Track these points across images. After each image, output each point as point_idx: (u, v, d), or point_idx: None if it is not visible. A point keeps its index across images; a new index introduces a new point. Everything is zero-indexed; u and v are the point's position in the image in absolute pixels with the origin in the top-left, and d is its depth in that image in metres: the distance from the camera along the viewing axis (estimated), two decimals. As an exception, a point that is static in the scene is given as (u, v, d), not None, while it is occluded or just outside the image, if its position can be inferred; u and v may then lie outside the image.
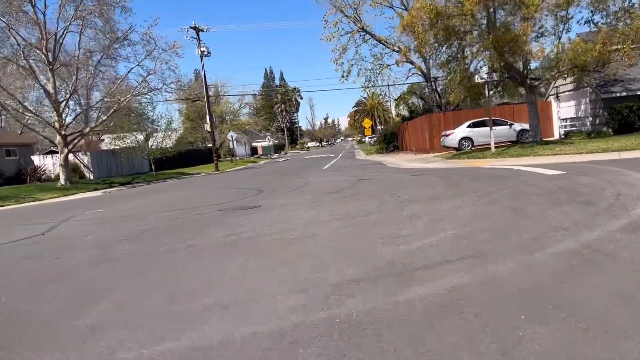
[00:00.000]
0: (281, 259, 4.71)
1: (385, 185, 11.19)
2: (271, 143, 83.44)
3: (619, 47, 16.39)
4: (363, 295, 3.38)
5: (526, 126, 20.62)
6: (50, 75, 22.98)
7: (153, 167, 32.37)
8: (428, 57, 28.00)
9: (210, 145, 38.41)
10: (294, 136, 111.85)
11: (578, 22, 25.01)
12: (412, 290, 3.37)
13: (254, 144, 76.86)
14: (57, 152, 24.99)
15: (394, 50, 29.43)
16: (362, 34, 29.42)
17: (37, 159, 31.77)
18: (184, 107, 55.92)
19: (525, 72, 18.80)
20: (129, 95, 25.23)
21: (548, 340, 2.45)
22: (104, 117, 25.50)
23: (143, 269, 4.95)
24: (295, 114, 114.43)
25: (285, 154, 74.57)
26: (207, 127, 36.78)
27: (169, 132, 34.81)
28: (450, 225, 5.53)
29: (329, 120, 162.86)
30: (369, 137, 59.93)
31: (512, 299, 3.05)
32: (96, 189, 22.20)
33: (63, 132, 23.61)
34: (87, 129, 25.86)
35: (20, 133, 33.20)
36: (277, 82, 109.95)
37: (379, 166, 19.97)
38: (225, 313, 3.30)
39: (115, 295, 4.04)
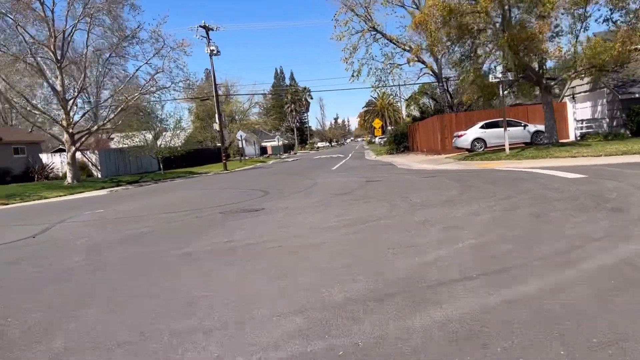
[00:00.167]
0: (280, 271, 4.27)
1: (395, 188, 10.73)
2: (280, 143, 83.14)
3: (639, 46, 15.79)
4: (371, 319, 2.93)
5: (540, 127, 19.98)
6: (58, 73, 22.86)
7: (161, 166, 32.17)
8: (440, 56, 27.47)
9: (220, 144, 38.11)
10: (303, 136, 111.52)
11: (596, 20, 24.30)
12: (427, 314, 2.92)
13: (263, 144, 76.51)
14: (65, 151, 24.84)
15: (405, 50, 28.88)
16: (373, 33, 28.94)
17: (45, 157, 31.68)
18: (194, 106, 55.61)
19: (541, 71, 18.20)
20: (136, 94, 25.01)
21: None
22: (112, 116, 25.33)
23: (127, 282, 4.49)
24: (305, 114, 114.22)
25: (295, 153, 74.20)
26: (217, 126, 36.52)
27: (178, 131, 34.55)
28: (467, 233, 5.06)
29: (339, 121, 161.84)
30: (379, 138, 59.34)
31: (546, 328, 2.57)
32: (103, 188, 21.98)
33: (70, 130, 23.47)
34: (95, 127, 25.72)
35: (30, 131, 33.17)
36: (287, 81, 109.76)
37: (389, 167, 19.48)
38: (210, 341, 2.81)
39: (91, 312, 3.60)
